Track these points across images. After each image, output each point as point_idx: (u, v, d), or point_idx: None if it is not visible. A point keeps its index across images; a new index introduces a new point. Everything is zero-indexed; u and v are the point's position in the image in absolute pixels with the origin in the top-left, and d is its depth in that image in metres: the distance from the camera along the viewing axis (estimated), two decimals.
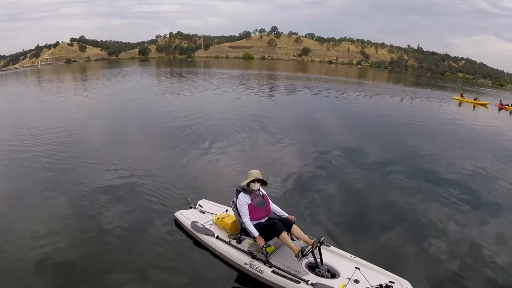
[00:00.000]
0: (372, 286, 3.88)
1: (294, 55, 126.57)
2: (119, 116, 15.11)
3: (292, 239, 4.51)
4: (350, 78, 54.24)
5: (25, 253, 4.86)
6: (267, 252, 4.38)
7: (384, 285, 3.84)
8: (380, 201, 7.15)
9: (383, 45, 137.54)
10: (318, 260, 4.24)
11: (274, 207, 4.89)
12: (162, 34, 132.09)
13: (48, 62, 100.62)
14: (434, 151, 11.10)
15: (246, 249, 4.61)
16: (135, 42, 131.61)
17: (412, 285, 4.01)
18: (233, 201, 4.78)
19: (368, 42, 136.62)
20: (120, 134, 11.90)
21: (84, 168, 8.29)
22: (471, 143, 13.13)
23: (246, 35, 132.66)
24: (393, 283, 3.91)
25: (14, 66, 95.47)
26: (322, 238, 4.23)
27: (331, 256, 4.47)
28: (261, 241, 4.32)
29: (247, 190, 4.61)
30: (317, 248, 4.18)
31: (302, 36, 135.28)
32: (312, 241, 4.27)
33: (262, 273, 4.25)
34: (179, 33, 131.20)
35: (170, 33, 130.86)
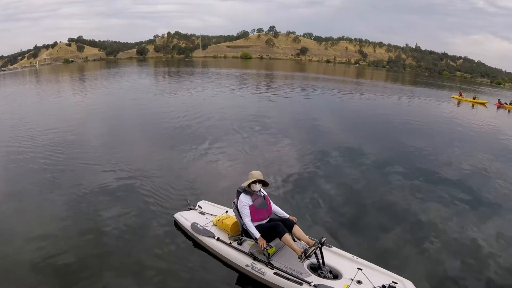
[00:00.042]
0: (375, 287, 3.84)
1: (292, 55, 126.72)
2: (117, 116, 15.03)
3: (293, 239, 4.47)
4: (348, 77, 54.30)
5: (24, 254, 4.81)
6: (268, 254, 4.34)
7: (387, 285, 3.82)
8: (380, 201, 7.12)
9: (381, 44, 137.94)
10: (320, 261, 4.20)
11: (275, 207, 4.85)
12: (160, 34, 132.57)
13: (46, 62, 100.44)
14: (434, 150, 11.10)
15: (247, 251, 4.56)
16: (133, 42, 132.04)
17: (415, 286, 3.98)
18: (233, 202, 4.73)
19: (366, 41, 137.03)
20: (119, 134, 11.83)
21: (83, 169, 8.21)
22: (471, 142, 13.12)
23: (244, 34, 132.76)
24: (396, 283, 3.88)
25: (12, 67, 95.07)
26: (324, 239, 4.20)
27: (333, 257, 4.44)
28: (262, 243, 4.27)
29: (248, 191, 4.57)
30: (318, 249, 4.15)
31: (300, 35, 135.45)
32: (313, 241, 4.23)
33: (264, 275, 4.21)
34: (177, 33, 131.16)
35: (168, 33, 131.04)
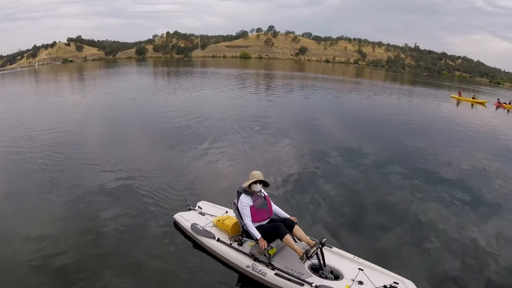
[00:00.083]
0: (376, 287, 3.83)
1: (291, 54, 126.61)
2: (116, 116, 14.98)
3: (293, 239, 4.45)
4: (347, 77, 54.31)
5: (24, 254, 4.79)
6: (269, 254, 4.32)
7: (389, 286, 3.81)
8: (380, 201, 7.12)
9: (380, 44, 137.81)
10: (321, 261, 4.18)
11: (275, 208, 4.83)
12: (159, 34, 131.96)
13: (45, 62, 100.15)
14: (433, 150, 11.09)
15: (247, 252, 4.53)
16: (132, 41, 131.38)
17: (417, 286, 3.97)
18: (234, 203, 4.71)
19: (365, 41, 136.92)
20: (118, 134, 11.79)
21: (82, 169, 8.18)
22: (470, 142, 13.12)
23: (243, 34, 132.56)
24: (397, 284, 3.86)
25: (11, 66, 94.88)
26: (324, 240, 4.19)
27: (334, 257, 4.43)
28: (263, 243, 4.26)
29: (248, 191, 4.55)
30: (319, 249, 4.14)
31: (299, 35, 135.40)
32: (314, 242, 4.22)
33: (265, 276, 4.19)
34: (176, 33, 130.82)
35: (167, 33, 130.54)
